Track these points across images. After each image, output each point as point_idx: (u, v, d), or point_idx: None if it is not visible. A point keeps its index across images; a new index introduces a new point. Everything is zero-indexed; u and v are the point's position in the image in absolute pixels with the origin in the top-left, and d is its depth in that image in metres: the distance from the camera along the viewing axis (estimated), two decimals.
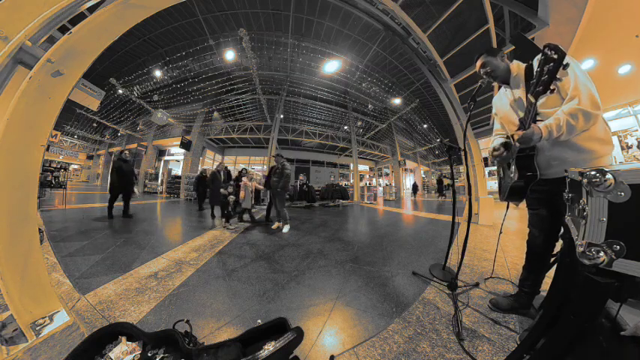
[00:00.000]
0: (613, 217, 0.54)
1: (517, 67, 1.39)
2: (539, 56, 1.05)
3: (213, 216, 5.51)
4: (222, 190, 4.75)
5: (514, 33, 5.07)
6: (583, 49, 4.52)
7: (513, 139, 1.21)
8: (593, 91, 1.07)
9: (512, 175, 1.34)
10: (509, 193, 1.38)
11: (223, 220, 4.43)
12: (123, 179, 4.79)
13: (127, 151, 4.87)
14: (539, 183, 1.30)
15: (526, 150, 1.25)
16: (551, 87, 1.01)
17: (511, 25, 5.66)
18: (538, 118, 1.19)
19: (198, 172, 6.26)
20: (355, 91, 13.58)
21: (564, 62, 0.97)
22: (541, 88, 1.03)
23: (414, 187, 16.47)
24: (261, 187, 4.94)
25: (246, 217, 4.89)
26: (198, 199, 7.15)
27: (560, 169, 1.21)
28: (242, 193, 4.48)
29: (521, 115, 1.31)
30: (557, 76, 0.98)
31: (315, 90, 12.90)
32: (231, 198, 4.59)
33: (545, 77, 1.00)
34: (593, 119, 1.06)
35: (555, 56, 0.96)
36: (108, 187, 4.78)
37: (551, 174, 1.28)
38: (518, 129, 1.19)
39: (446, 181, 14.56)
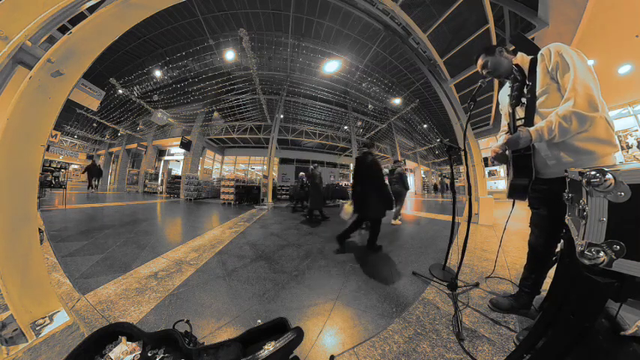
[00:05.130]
0: (613, 217, 0.54)
1: (521, 60, 1.35)
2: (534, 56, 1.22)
3: (309, 217, 5.09)
4: None
5: (514, 33, 5.07)
6: (583, 49, 4.47)
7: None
8: (593, 90, 1.02)
9: (510, 173, 1.37)
10: (510, 191, 1.40)
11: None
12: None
13: None
14: (539, 182, 1.30)
15: (520, 150, 1.26)
16: (522, 100, 1.20)
17: (511, 25, 5.65)
18: (537, 117, 1.22)
19: (303, 177, 5.81)
20: (355, 91, 13.59)
21: (527, 82, 1.18)
22: (514, 101, 1.18)
23: (435, 187, 19.68)
24: None
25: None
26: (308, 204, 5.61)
27: (557, 170, 1.21)
28: None
29: (521, 112, 1.32)
30: (525, 92, 1.18)
31: (315, 90, 12.90)
32: None
33: (515, 93, 1.16)
34: (589, 121, 1.02)
35: (519, 78, 1.15)
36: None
37: (549, 174, 1.27)
38: (507, 133, 1.22)
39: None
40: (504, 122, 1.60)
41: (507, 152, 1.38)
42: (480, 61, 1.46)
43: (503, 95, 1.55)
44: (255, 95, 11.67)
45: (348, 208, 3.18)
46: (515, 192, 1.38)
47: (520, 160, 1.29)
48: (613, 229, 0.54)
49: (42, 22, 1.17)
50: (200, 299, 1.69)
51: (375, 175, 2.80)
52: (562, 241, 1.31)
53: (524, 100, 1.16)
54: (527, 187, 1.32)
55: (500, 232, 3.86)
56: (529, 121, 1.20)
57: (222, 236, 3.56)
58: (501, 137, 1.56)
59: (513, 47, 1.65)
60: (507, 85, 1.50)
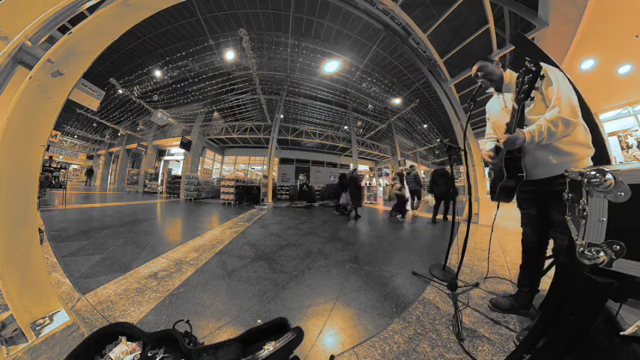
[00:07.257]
0: (613, 217, 0.54)
1: (510, 75, 1.49)
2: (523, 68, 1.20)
3: (358, 216, 5.90)
4: (397, 192, 6.14)
5: (514, 33, 5.06)
6: (583, 49, 4.51)
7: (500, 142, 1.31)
8: (574, 100, 1.18)
9: (503, 175, 1.40)
10: (499, 193, 1.44)
11: (393, 213, 5.94)
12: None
13: None
14: (526, 183, 1.36)
15: (513, 152, 1.32)
16: (532, 95, 1.17)
17: (511, 25, 5.65)
18: (525, 123, 1.27)
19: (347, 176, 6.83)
20: (355, 91, 13.57)
21: (541, 74, 1.14)
22: (522, 96, 1.16)
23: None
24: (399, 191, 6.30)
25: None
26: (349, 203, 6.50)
27: (544, 171, 1.30)
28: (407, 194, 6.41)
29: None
30: (536, 86, 1.16)
31: (315, 90, 12.89)
32: (408, 197, 6.20)
33: (526, 87, 1.15)
34: (572, 126, 1.16)
35: (534, 69, 1.12)
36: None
37: (537, 175, 1.34)
38: (505, 133, 1.25)
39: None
40: (489, 130, 1.71)
41: (499, 155, 1.43)
42: (477, 65, 1.55)
43: (491, 105, 1.65)
44: (255, 95, 11.68)
45: (431, 199, 5.87)
46: (501, 194, 1.44)
47: (511, 162, 1.35)
48: (613, 229, 0.54)
49: (42, 22, 1.17)
50: (200, 299, 1.69)
51: (451, 179, 4.75)
52: (553, 239, 1.36)
53: (533, 94, 1.17)
54: (514, 190, 1.39)
55: (500, 232, 3.87)
56: (519, 125, 1.24)
57: (222, 236, 3.57)
58: (487, 143, 1.66)
59: (507, 51, 1.68)
60: (496, 97, 1.58)
